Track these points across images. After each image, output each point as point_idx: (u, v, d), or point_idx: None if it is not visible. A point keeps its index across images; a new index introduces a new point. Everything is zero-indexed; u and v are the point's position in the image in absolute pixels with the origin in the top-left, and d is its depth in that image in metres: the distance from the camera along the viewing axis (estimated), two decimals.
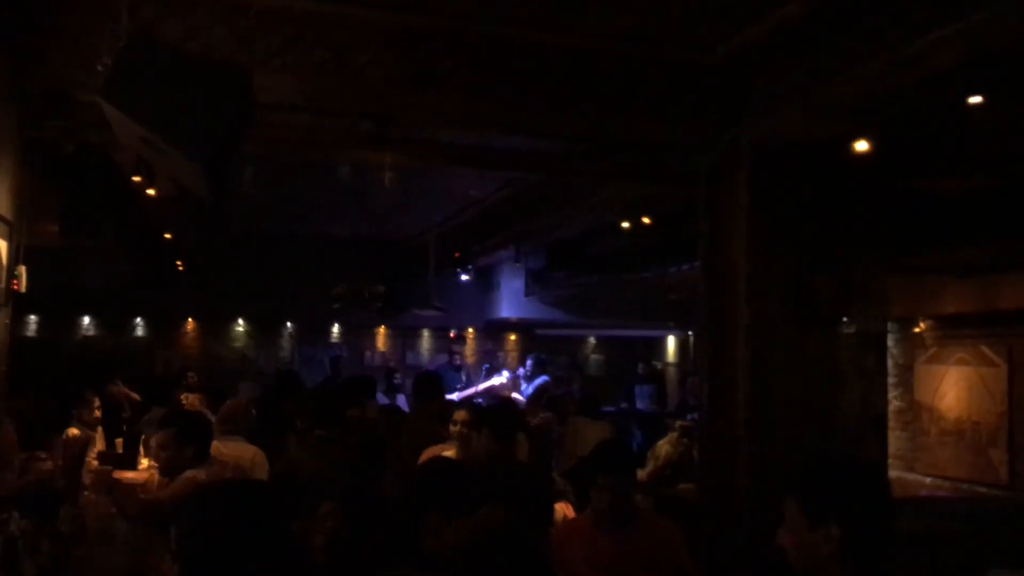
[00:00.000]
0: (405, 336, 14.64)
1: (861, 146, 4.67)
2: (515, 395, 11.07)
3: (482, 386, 11.74)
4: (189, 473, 4.17)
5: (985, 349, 7.96)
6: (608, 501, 3.67)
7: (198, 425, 4.62)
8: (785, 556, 2.38)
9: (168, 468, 4.40)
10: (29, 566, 3.35)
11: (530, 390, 10.74)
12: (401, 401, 10.56)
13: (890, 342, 8.32)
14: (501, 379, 12.02)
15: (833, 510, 2.27)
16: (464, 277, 12.11)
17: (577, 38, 4.61)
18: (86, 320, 13.24)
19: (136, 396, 9.14)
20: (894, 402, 8.57)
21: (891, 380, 8.40)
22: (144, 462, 6.61)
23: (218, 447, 4.94)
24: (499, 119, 4.84)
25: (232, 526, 2.02)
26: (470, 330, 14.64)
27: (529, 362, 12.00)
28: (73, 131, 4.83)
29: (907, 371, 8.83)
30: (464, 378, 12.79)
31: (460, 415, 5.13)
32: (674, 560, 3.74)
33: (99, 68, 3.43)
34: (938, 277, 7.77)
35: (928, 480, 8.38)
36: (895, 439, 8.42)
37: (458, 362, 12.82)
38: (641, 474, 7.00)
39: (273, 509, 2.18)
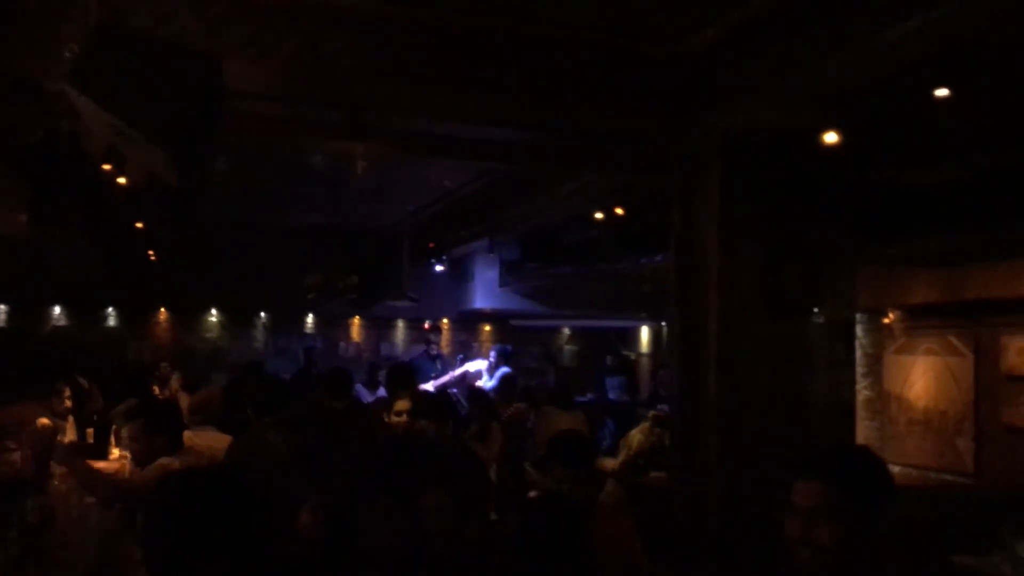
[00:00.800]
0: (380, 327, 14.62)
1: (830, 137, 4.71)
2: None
3: (457, 372, 11.73)
4: (163, 460, 4.16)
5: (952, 339, 8.06)
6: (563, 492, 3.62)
7: (167, 414, 4.60)
8: (799, 551, 2.22)
9: (141, 458, 4.38)
10: None
11: (494, 382, 10.75)
12: (382, 394, 10.54)
13: (859, 332, 8.43)
14: (476, 364, 12.01)
15: (881, 495, 2.22)
16: (438, 268, 12.10)
17: (550, 28, 4.62)
18: (56, 310, 13.10)
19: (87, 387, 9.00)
20: (863, 391, 8.67)
21: (860, 370, 8.50)
22: (115, 452, 6.57)
23: (191, 437, 4.92)
24: (472, 108, 4.84)
25: (198, 513, 2.02)
26: (444, 321, 14.65)
27: (493, 354, 11.99)
28: (41, 119, 4.78)
29: (876, 361, 8.93)
30: (439, 367, 12.78)
31: (401, 405, 5.14)
32: (628, 559, 3.71)
33: (66, 55, 3.40)
34: (907, 268, 7.86)
35: (897, 468, 8.48)
36: (864, 428, 8.52)
37: (435, 351, 12.79)
38: (612, 463, 7.04)
39: (242, 498, 2.17)
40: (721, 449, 4.92)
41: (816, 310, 5.10)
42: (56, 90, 3.76)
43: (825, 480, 2.24)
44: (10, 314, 12.78)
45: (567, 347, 15.81)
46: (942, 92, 4.25)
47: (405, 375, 6.94)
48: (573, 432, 4.58)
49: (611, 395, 12.30)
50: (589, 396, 12.19)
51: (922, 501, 6.55)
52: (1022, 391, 7.32)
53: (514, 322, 14.73)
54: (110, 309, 13.34)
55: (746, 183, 4.98)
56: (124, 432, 6.48)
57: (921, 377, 8.38)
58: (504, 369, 11.13)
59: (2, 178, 5.54)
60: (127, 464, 5.97)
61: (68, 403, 6.71)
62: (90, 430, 6.99)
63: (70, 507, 4.32)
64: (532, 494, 4.18)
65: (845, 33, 3.81)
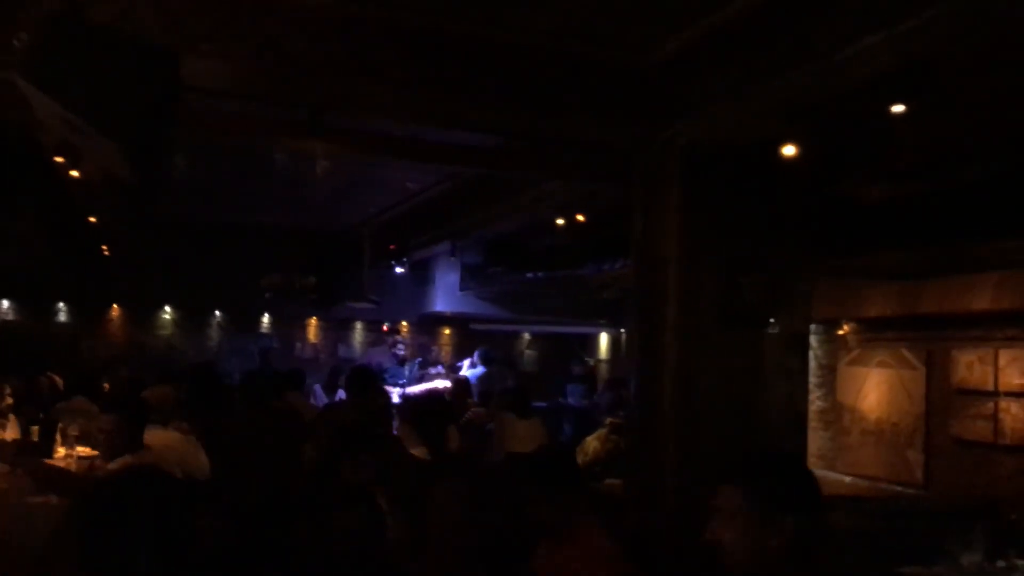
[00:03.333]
0: (338, 328, 14.51)
1: (790, 150, 4.75)
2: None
3: (423, 386, 11.66)
4: (127, 459, 4.15)
5: (905, 352, 8.17)
6: (544, 516, 3.33)
7: (141, 412, 4.61)
8: (718, 551, 2.34)
9: (110, 452, 4.39)
10: None
11: (473, 380, 10.74)
12: (341, 396, 10.45)
13: (814, 343, 8.51)
14: (444, 382, 11.94)
15: (788, 502, 2.28)
16: (399, 270, 12.03)
17: (515, 34, 4.61)
18: (5, 304, 12.83)
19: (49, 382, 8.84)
20: (817, 402, 8.76)
21: (814, 380, 8.59)
22: (60, 451, 6.44)
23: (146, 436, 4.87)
24: (436, 112, 4.81)
25: (128, 515, 1.99)
26: (404, 323, 14.57)
27: (476, 355, 11.94)
28: None
29: (830, 372, 9.02)
30: (407, 372, 12.68)
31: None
32: None
33: (15, 44, 3.31)
34: (862, 281, 7.95)
35: (848, 479, 8.58)
36: (817, 438, 8.61)
37: (401, 353, 12.69)
38: None
39: (173, 500, 2.15)
40: (677, 457, 4.93)
41: (773, 321, 5.14)
42: (5, 79, 3.67)
43: (738, 484, 2.33)
44: None
45: (527, 352, 15.82)
46: (898, 108, 4.30)
47: (366, 379, 6.89)
48: (556, 451, 4.40)
49: (571, 400, 12.32)
50: (559, 400, 12.21)
51: (873, 511, 6.62)
52: (971, 404, 7.43)
53: (474, 326, 14.70)
54: (61, 304, 13.09)
55: (706, 194, 5.00)
56: (99, 423, 6.39)
57: (874, 389, 8.49)
58: (481, 369, 11.11)
59: None
60: (73, 463, 5.86)
61: (9, 400, 6.58)
62: (35, 428, 6.84)
63: (12, 507, 4.22)
64: None
65: (807, 47, 3.84)
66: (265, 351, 13.04)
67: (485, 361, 11.53)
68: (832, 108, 4.50)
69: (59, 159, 5.72)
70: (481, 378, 10.24)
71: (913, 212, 6.02)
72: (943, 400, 7.74)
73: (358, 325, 14.58)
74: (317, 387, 10.97)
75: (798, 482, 2.35)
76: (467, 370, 11.49)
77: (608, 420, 7.25)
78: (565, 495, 3.39)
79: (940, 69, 4.05)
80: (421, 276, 13.50)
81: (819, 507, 2.36)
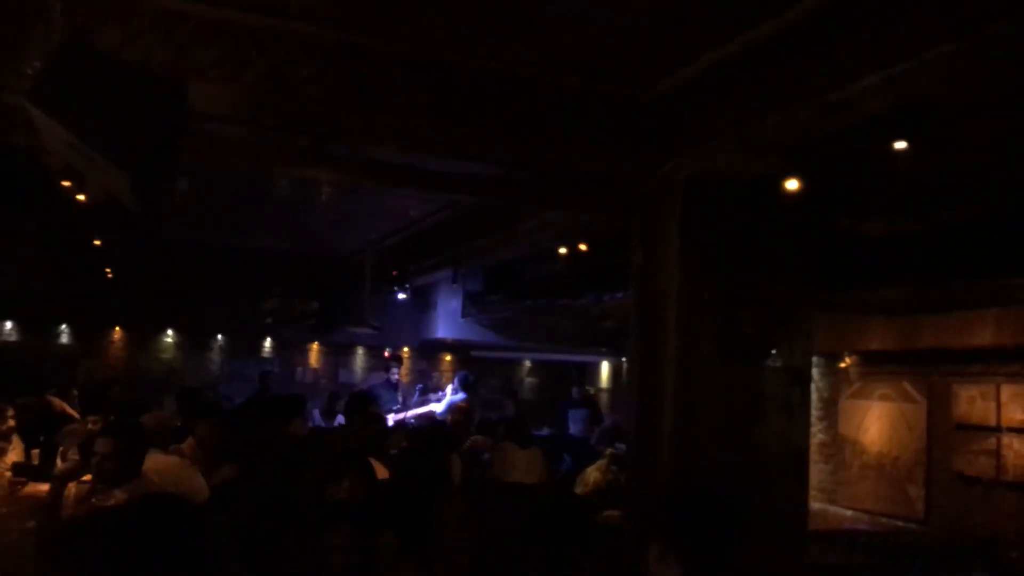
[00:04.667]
0: (338, 353, 14.50)
1: (791, 185, 4.79)
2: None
3: (418, 411, 11.63)
4: (116, 493, 4.07)
5: (907, 386, 8.17)
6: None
7: (139, 435, 4.54)
8: None
9: (108, 478, 4.30)
10: None
11: (443, 408, 10.69)
12: (341, 422, 10.41)
13: (816, 376, 8.51)
14: (439, 406, 11.92)
15: (670, 539, 2.51)
16: (400, 296, 12.05)
17: (519, 67, 4.65)
18: (8, 325, 12.84)
19: (74, 413, 8.80)
20: (818, 435, 8.75)
21: (816, 414, 8.58)
22: None
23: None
24: (438, 142, 4.85)
25: (135, 544, 1.98)
26: (405, 349, 14.57)
27: (456, 380, 11.92)
28: None
29: (832, 405, 9.02)
30: (400, 399, 12.65)
31: None
32: None
33: (28, 71, 3.35)
34: (864, 315, 7.97)
35: (849, 513, 8.55)
36: (818, 472, 8.59)
37: (395, 379, 12.66)
38: None
39: (185, 527, 2.13)
40: (675, 488, 4.91)
41: (773, 354, 5.14)
42: (15, 104, 3.71)
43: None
44: None
45: (528, 379, 15.80)
46: (900, 145, 4.33)
47: (364, 404, 6.88)
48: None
49: (573, 428, 12.27)
50: (545, 430, 12.15)
51: (872, 547, 6.59)
52: (972, 440, 7.42)
53: (475, 353, 14.69)
54: (63, 326, 13.10)
55: (706, 227, 5.02)
56: (97, 447, 6.35)
57: (875, 422, 8.48)
58: (461, 396, 11.06)
59: None
60: (72, 487, 5.84)
61: (11, 423, 6.57)
62: (35, 451, 6.83)
63: (9, 530, 4.20)
64: None
65: (807, 85, 3.87)
66: (264, 375, 13.01)
67: (465, 387, 11.47)
68: (831, 145, 4.53)
69: (65, 183, 5.77)
70: (463, 405, 10.16)
71: (912, 248, 6.04)
72: (944, 435, 7.73)
73: (359, 350, 14.58)
74: (315, 412, 10.95)
75: (680, 521, 2.58)
76: (450, 396, 11.46)
77: (608, 451, 7.24)
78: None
79: (939, 109, 4.08)
80: (422, 302, 13.52)
81: (704, 542, 2.52)
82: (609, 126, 4.89)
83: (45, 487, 5.95)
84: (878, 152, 4.61)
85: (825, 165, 4.84)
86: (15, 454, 6.58)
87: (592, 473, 7.20)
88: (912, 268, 6.03)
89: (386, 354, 14.21)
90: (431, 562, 3.39)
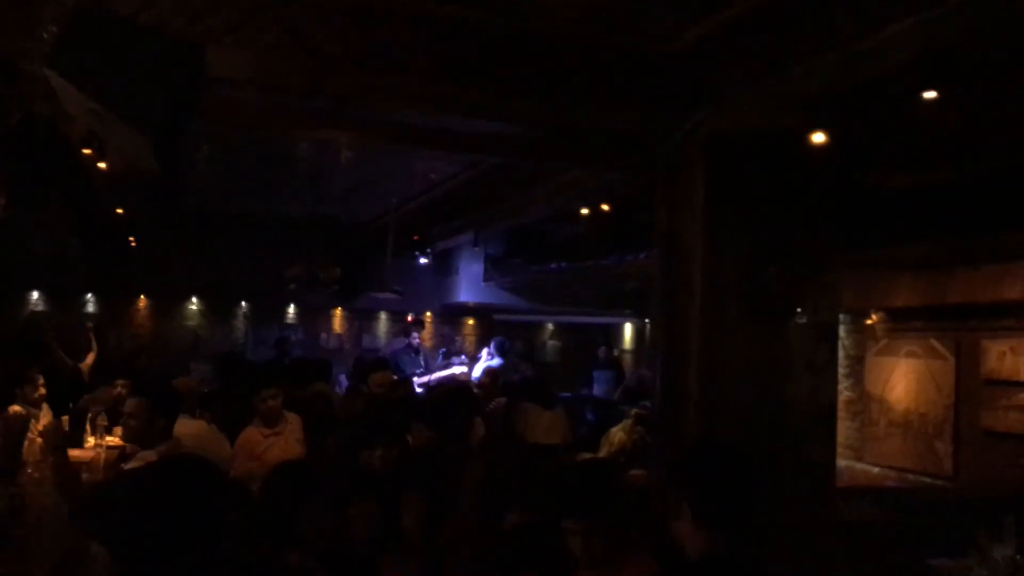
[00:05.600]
0: (362, 319, 14.56)
1: (817, 139, 4.70)
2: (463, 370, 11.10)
3: (440, 374, 11.69)
4: (146, 454, 4.10)
5: (934, 342, 8.10)
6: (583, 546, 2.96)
7: (170, 397, 4.55)
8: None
9: (136, 437, 4.32)
10: None
11: (479, 374, 10.73)
12: None
13: (842, 333, 8.44)
14: (461, 368, 11.97)
15: (690, 495, 2.50)
16: (422, 261, 12.05)
17: (538, 23, 4.58)
18: (35, 295, 12.97)
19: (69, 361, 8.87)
20: (844, 392, 8.70)
21: (842, 371, 8.53)
22: (90, 440, 6.51)
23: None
24: (458, 101, 4.80)
25: (164, 506, 1.98)
26: (428, 314, 14.60)
27: (492, 345, 11.96)
28: (18, 100, 4.70)
29: (858, 362, 8.96)
30: (423, 362, 12.71)
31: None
32: None
33: (45, 37, 3.34)
34: (891, 271, 7.88)
35: (876, 470, 8.52)
36: (844, 429, 8.55)
37: (416, 342, 12.70)
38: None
39: (217, 490, 2.13)
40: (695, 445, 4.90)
41: (799, 311, 5.09)
42: (35, 72, 3.69)
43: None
44: None
45: (550, 342, 15.81)
46: (930, 95, 4.24)
47: (371, 368, 6.93)
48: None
49: (597, 390, 12.30)
50: (583, 392, 12.19)
51: (900, 503, 6.57)
52: (1001, 395, 7.35)
53: (497, 316, 14.70)
54: (89, 295, 13.22)
55: (730, 184, 4.96)
56: (107, 418, 6.43)
57: (902, 379, 8.42)
58: (498, 361, 11.10)
59: None
60: (102, 452, 5.92)
61: (42, 391, 6.64)
62: (65, 417, 6.91)
63: (41, 496, 4.26)
64: None
65: (834, 35, 3.78)
66: (280, 341, 13.05)
67: (501, 352, 11.52)
68: (858, 96, 4.43)
69: (86, 152, 5.77)
70: (488, 372, 10.21)
71: (941, 201, 5.94)
72: (973, 390, 7.66)
73: (382, 315, 14.63)
74: (342, 376, 11.02)
75: (693, 473, 2.60)
76: (485, 361, 11.50)
77: (633, 411, 7.23)
78: (615, 527, 3.13)
79: (969, 57, 3.98)
80: (444, 267, 13.52)
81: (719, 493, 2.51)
82: (630, 82, 4.81)
83: (77, 452, 6.04)
84: (906, 103, 4.51)
85: (852, 118, 4.75)
86: (45, 420, 6.67)
87: (617, 433, 7.20)
88: (941, 222, 5.94)
89: (408, 319, 14.25)
90: (455, 523, 3.39)
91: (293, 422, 5.71)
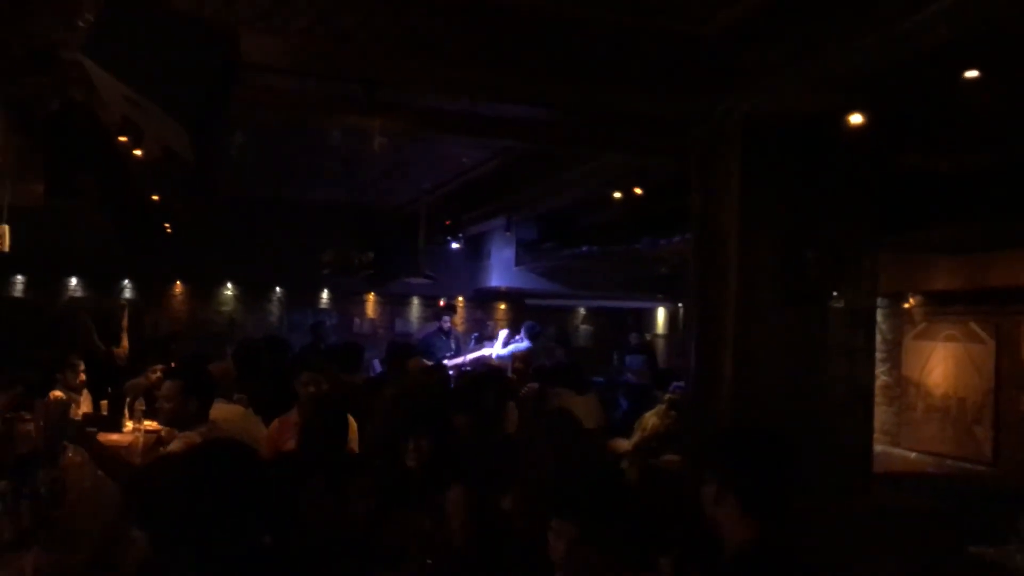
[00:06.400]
0: (394, 303, 14.62)
1: (854, 121, 4.62)
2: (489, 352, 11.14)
3: (471, 356, 11.71)
4: (188, 434, 4.13)
5: (974, 326, 7.98)
6: (562, 551, 2.66)
7: (205, 380, 4.57)
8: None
9: (172, 420, 4.36)
10: (8, 526, 3.33)
11: (505, 353, 10.75)
12: None
13: (879, 317, 8.33)
14: (491, 349, 11.98)
15: (728, 478, 2.48)
16: (454, 246, 12.04)
17: (570, 6, 4.54)
18: (73, 281, 13.16)
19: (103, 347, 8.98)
20: (881, 377, 8.60)
21: (879, 355, 8.41)
22: (128, 425, 6.60)
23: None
24: (489, 86, 4.78)
25: (208, 489, 1.98)
26: (460, 299, 14.62)
27: (523, 330, 11.95)
28: (56, 89, 4.75)
29: (895, 347, 8.86)
30: (454, 346, 12.72)
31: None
32: None
33: (80, 24, 3.36)
34: (929, 254, 7.77)
35: (913, 456, 8.43)
36: (881, 414, 8.46)
37: (447, 326, 12.71)
38: (626, 444, 7.01)
39: (257, 474, 2.13)
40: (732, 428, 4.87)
41: (836, 295, 5.03)
42: (71, 60, 3.73)
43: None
44: (27, 284, 12.84)
45: (582, 327, 15.76)
46: (972, 74, 4.14)
47: (405, 354, 6.94)
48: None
49: (629, 375, 12.26)
50: (618, 377, 12.15)
51: (938, 489, 6.50)
52: None
53: (529, 301, 14.68)
54: (126, 281, 13.39)
55: (766, 167, 4.90)
56: (144, 403, 6.52)
57: (940, 363, 8.31)
58: (526, 344, 11.08)
59: (19, 149, 5.53)
60: (140, 436, 6.00)
61: (83, 377, 6.74)
62: (104, 402, 7.02)
63: (82, 479, 4.32)
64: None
65: (872, 14, 3.71)
66: (316, 325, 13.11)
67: (531, 336, 11.50)
68: (897, 77, 4.35)
69: (122, 139, 5.83)
70: (524, 354, 10.20)
71: (981, 184, 5.84)
72: (1013, 375, 7.55)
73: (415, 300, 14.67)
74: (375, 362, 11.06)
75: (724, 452, 2.61)
76: (511, 345, 11.50)
77: (667, 396, 7.20)
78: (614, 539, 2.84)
79: (1011, 34, 3.89)
80: (476, 251, 13.52)
81: (754, 472, 2.50)
82: (664, 64, 4.76)
83: (115, 436, 6.13)
84: (946, 84, 4.42)
85: (890, 99, 4.66)
86: (86, 406, 6.78)
87: (650, 418, 7.17)
88: (981, 204, 5.83)
89: (441, 304, 14.28)
90: (499, 511, 3.39)
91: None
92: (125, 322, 9.77)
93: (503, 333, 12.15)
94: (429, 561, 3.13)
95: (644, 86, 4.78)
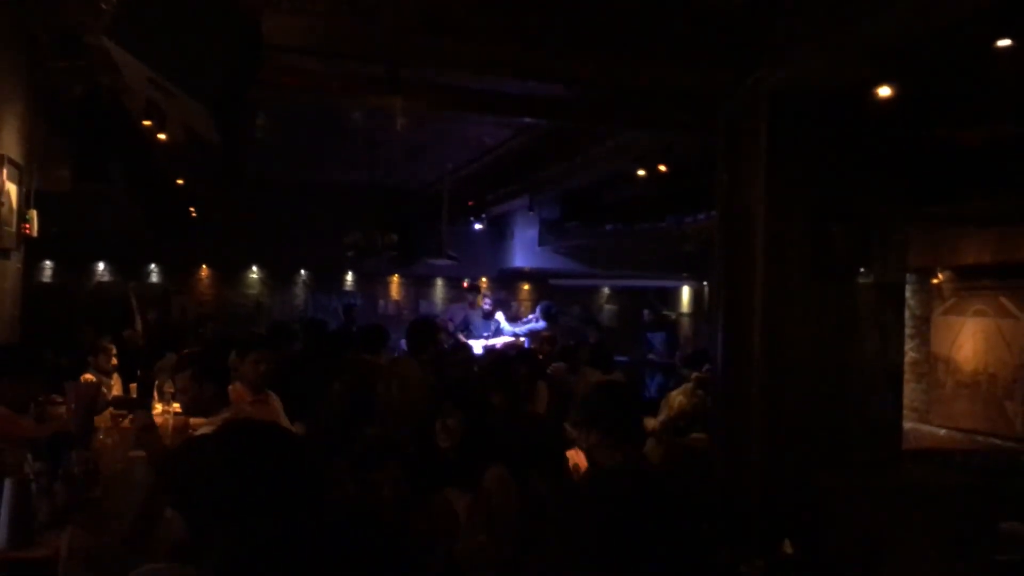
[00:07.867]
0: (419, 285, 14.65)
1: (883, 92, 4.55)
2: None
3: (501, 340, 11.70)
4: (226, 413, 4.16)
5: (1004, 300, 7.87)
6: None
7: (213, 363, 4.61)
8: None
9: (192, 409, 4.41)
10: (43, 507, 3.37)
11: (522, 331, 10.75)
12: None
13: (907, 292, 8.26)
14: (513, 328, 11.99)
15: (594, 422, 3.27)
16: (478, 226, 12.04)
17: None
18: (100, 266, 13.28)
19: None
20: (910, 353, 8.52)
21: (907, 331, 8.34)
22: (158, 407, 6.65)
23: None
24: (513, 64, 4.74)
25: (242, 468, 1.98)
26: (483, 279, 14.63)
27: (538, 310, 11.94)
28: (82, 74, 4.77)
29: (924, 322, 8.76)
30: (491, 327, 12.68)
31: None
32: None
33: (104, 8, 3.37)
34: (958, 228, 7.66)
35: (942, 432, 8.36)
36: (910, 390, 8.39)
37: (488, 307, 12.66)
38: (653, 423, 7.00)
39: (290, 454, 2.13)
40: (765, 411, 4.85)
41: (864, 271, 4.98)
42: (96, 44, 3.74)
43: None
44: (55, 269, 12.98)
45: (607, 307, 15.72)
46: (1005, 43, 4.06)
47: (426, 334, 6.96)
48: (609, 389, 4.18)
49: (654, 354, 12.23)
50: (648, 356, 12.15)
51: (969, 465, 6.44)
52: None
53: (553, 281, 14.66)
54: (153, 265, 13.50)
55: (794, 141, 4.84)
56: (173, 385, 6.57)
57: (970, 339, 8.22)
58: (541, 324, 11.08)
59: (46, 134, 5.57)
60: (170, 419, 6.05)
61: (114, 360, 6.81)
62: (133, 385, 7.09)
63: (114, 460, 4.37)
64: (570, 452, 4.08)
65: None
66: (348, 308, 13.21)
67: (547, 316, 11.48)
68: (928, 47, 4.27)
69: (146, 123, 5.85)
70: (550, 334, 10.20)
71: (1012, 156, 5.73)
72: None
73: (439, 281, 14.69)
74: (402, 342, 11.08)
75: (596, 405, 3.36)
76: (531, 324, 11.50)
77: (694, 375, 7.17)
78: None
79: None
80: (500, 232, 13.50)
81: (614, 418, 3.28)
82: (690, 37, 4.71)
83: None
84: (979, 53, 4.34)
85: (920, 71, 4.58)
86: (116, 389, 6.85)
87: (677, 397, 7.16)
88: (1012, 177, 5.73)
89: (464, 284, 14.28)
90: (537, 490, 3.37)
91: None
92: (134, 304, 9.84)
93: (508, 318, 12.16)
94: (482, 538, 3.13)
95: (671, 60, 4.73)
